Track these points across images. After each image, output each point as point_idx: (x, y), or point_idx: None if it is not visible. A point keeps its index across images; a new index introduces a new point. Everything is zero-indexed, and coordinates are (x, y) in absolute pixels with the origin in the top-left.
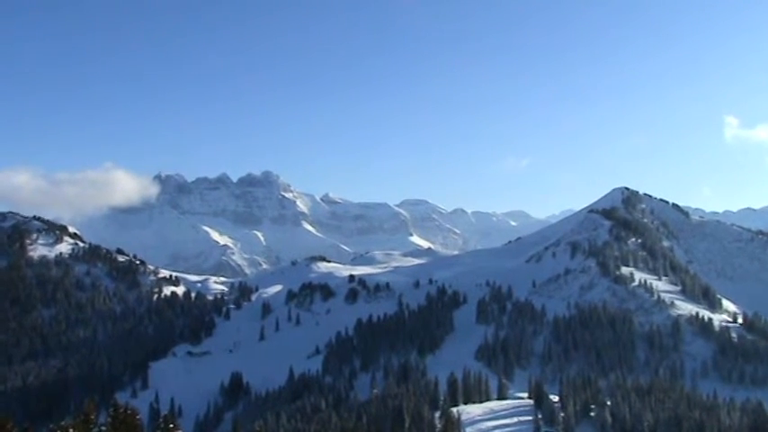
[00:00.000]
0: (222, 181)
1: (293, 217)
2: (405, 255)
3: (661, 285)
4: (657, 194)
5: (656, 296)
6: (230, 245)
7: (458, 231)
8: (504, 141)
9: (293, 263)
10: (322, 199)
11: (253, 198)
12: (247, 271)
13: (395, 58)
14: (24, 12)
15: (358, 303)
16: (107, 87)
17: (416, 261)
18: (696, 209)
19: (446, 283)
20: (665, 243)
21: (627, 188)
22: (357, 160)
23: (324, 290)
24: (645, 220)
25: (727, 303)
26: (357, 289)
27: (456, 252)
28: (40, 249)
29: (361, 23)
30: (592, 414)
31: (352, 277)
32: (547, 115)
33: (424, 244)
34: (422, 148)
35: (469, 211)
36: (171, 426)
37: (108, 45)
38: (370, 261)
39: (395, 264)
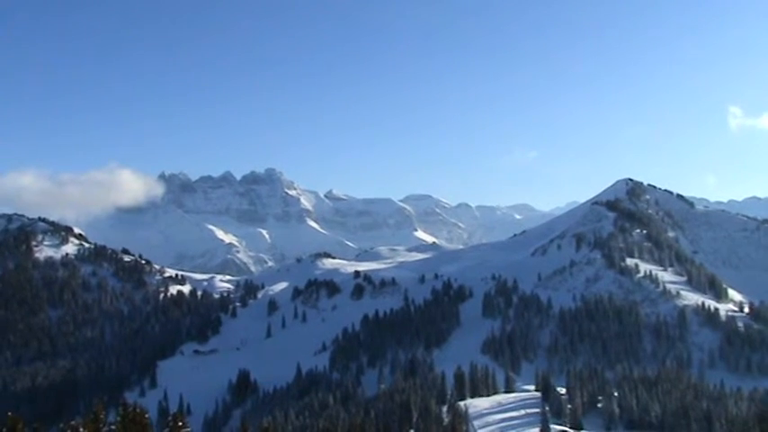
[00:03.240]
0: (226, 179)
1: (297, 214)
2: (409, 250)
3: (666, 276)
4: (662, 185)
5: (661, 287)
6: (235, 243)
7: (462, 225)
8: (506, 135)
9: (298, 260)
10: (326, 196)
11: (257, 196)
12: (253, 269)
13: (397, 54)
14: (27, 13)
15: (364, 299)
16: (111, 88)
17: (421, 256)
18: (701, 199)
19: (452, 278)
20: (670, 233)
21: (631, 179)
22: (360, 156)
23: (329, 286)
24: (649, 211)
25: (732, 293)
26: (363, 285)
27: (461, 246)
28: (45, 251)
29: (363, 21)
30: (599, 405)
31: (357, 273)
32: (550, 108)
33: (429, 239)
34: (425, 143)
35: (474, 205)
36: (180, 424)
37: (111, 46)
38: (375, 257)
39: (400, 259)
